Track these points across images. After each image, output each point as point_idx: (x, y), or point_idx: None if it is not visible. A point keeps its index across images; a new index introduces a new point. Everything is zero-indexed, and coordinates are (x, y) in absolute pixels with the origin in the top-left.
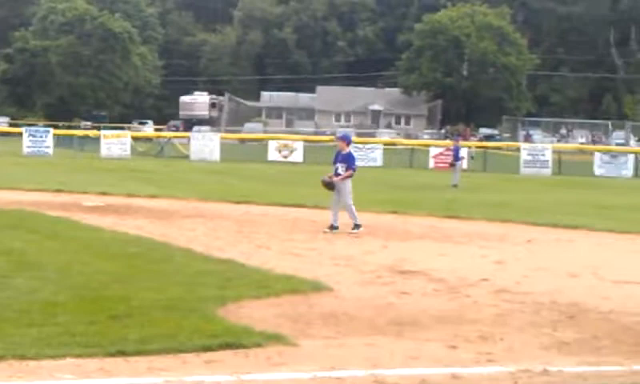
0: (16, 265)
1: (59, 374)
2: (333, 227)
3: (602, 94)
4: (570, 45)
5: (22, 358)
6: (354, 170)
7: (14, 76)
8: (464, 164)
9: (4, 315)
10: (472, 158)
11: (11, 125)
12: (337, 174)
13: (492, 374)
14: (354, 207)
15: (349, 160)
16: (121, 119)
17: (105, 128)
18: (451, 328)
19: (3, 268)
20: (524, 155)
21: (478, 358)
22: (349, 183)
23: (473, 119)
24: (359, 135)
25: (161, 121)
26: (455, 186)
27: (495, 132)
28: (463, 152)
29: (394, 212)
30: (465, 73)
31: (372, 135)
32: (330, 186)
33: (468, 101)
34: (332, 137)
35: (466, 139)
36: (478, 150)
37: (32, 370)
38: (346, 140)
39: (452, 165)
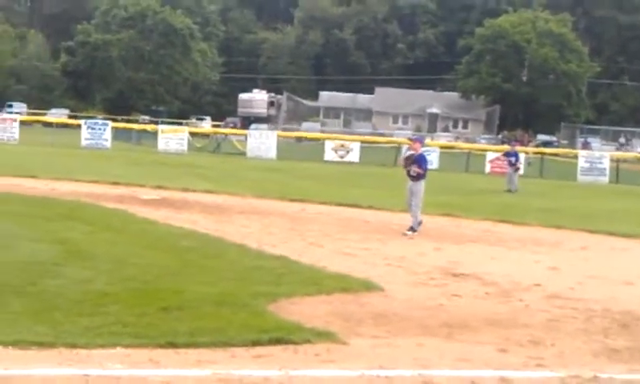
0: (70, 254)
1: (109, 363)
2: (413, 229)
3: None
4: (631, 54)
5: (73, 346)
6: (424, 171)
7: (75, 69)
8: (520, 169)
9: (56, 303)
10: (529, 164)
11: (70, 117)
12: (410, 176)
13: (541, 379)
14: (419, 211)
15: (421, 161)
16: (179, 115)
17: (163, 123)
18: (502, 331)
19: (57, 257)
20: (581, 162)
21: (528, 362)
22: (421, 185)
23: (531, 125)
24: None
25: (219, 117)
26: (511, 190)
27: (553, 138)
28: (521, 158)
29: (448, 215)
30: (524, 78)
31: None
32: (408, 161)
33: (526, 107)
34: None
35: (523, 145)
36: (535, 155)
37: (82, 358)
38: (421, 142)
39: (515, 168)
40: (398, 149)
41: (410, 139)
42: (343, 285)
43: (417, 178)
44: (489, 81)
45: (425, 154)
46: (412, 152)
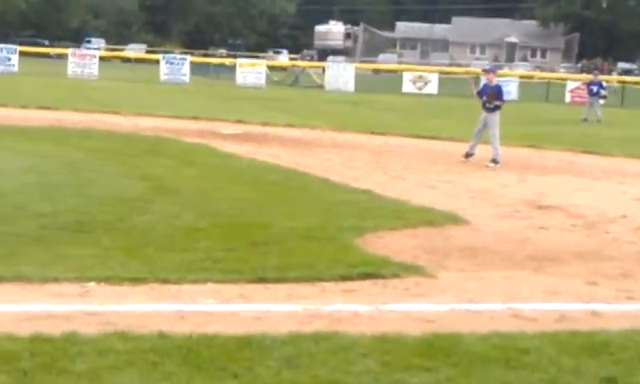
0: (156, 190)
1: (201, 298)
2: (468, 155)
3: None
4: None
5: (165, 281)
6: (503, 101)
7: (153, 3)
8: (604, 99)
9: (146, 239)
10: (615, 91)
11: (148, 52)
12: (485, 107)
13: (633, 312)
14: (498, 142)
15: (498, 91)
16: (256, 48)
17: (240, 57)
18: (590, 264)
19: (144, 192)
20: None
21: (618, 295)
22: (497, 116)
23: (610, 53)
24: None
25: (295, 50)
26: (587, 120)
27: (634, 66)
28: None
29: (531, 146)
30: (604, 5)
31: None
32: (493, 97)
33: (606, 34)
34: (467, 69)
35: (603, 73)
36: (611, 84)
37: (174, 293)
38: (494, 71)
39: (601, 97)
40: (477, 79)
41: (483, 70)
42: (428, 218)
43: (493, 109)
44: (568, 8)
45: (500, 83)
46: (486, 84)
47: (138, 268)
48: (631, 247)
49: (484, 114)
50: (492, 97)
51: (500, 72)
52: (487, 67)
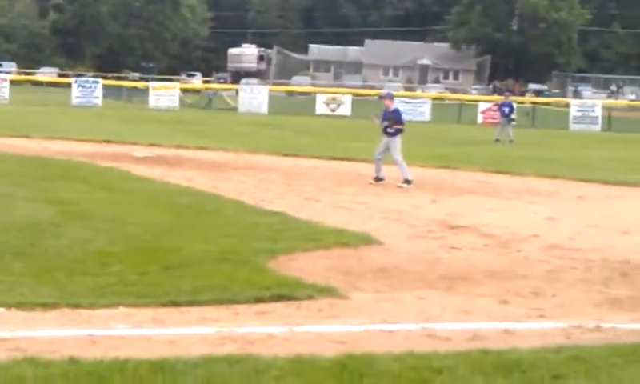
0: (68, 214)
1: (113, 322)
2: (378, 179)
3: None
4: (622, 0)
5: (76, 306)
6: (403, 125)
7: (64, 27)
8: (515, 120)
9: (58, 264)
10: (527, 114)
11: (60, 75)
12: (386, 132)
13: (544, 330)
14: (404, 162)
15: (396, 116)
16: (169, 71)
17: (153, 79)
18: (502, 283)
19: (55, 217)
20: (573, 111)
21: (530, 313)
22: (398, 139)
23: (522, 74)
24: (407, 90)
25: (209, 73)
26: (499, 140)
27: (544, 88)
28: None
29: (443, 167)
30: (515, 28)
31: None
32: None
33: (517, 56)
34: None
35: (515, 95)
36: (525, 106)
37: (85, 318)
38: (391, 97)
39: (510, 120)
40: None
41: (380, 97)
42: (342, 239)
43: (394, 133)
44: (479, 31)
45: (397, 108)
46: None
47: (49, 293)
48: (542, 266)
49: (385, 138)
50: (392, 121)
51: (416, 94)
52: (383, 94)
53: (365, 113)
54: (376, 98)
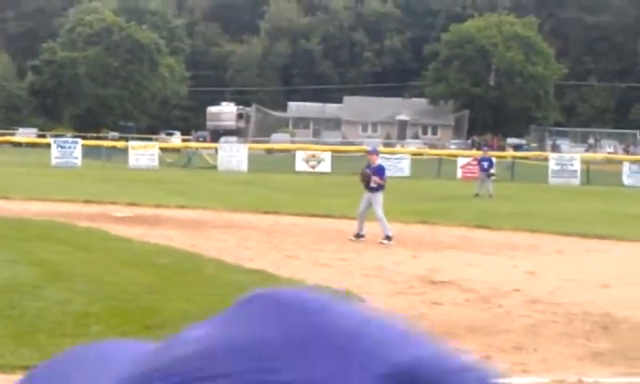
0: (48, 275)
1: None
2: (359, 235)
3: (630, 103)
4: (598, 54)
5: None
6: (385, 181)
7: (42, 87)
8: (494, 175)
9: (37, 325)
10: (508, 168)
11: (39, 136)
12: (369, 187)
13: None
14: (385, 219)
15: (379, 172)
16: (148, 130)
17: (132, 139)
18: (484, 338)
19: (35, 279)
20: (552, 165)
21: (513, 368)
22: (380, 195)
23: (500, 129)
24: (386, 145)
25: (188, 131)
26: (479, 195)
27: (523, 142)
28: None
29: (423, 222)
30: (492, 83)
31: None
32: (367, 178)
33: (495, 110)
34: (359, 147)
35: (493, 149)
36: (506, 160)
37: None
38: (376, 153)
39: (490, 175)
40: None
41: (366, 152)
42: None
43: (377, 188)
44: (457, 86)
45: (382, 164)
46: (369, 165)
47: (30, 355)
48: (524, 320)
49: (367, 193)
50: (375, 176)
51: (395, 149)
52: (369, 149)
53: (345, 169)
54: (356, 154)
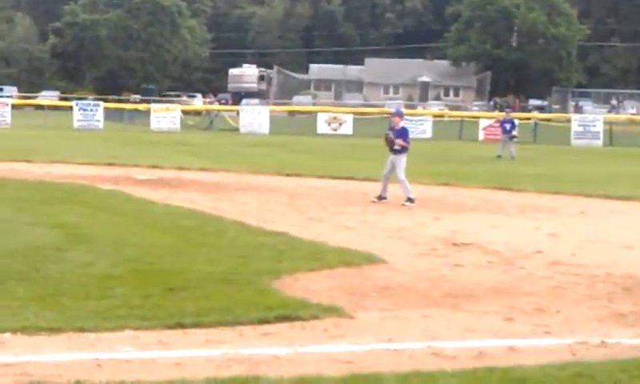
0: (70, 238)
1: (118, 346)
2: (381, 197)
3: None
4: (621, 15)
5: (81, 330)
6: (408, 144)
7: (64, 50)
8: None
9: (61, 288)
10: (532, 129)
11: (61, 99)
12: (393, 150)
13: (549, 347)
14: (407, 181)
15: (403, 134)
16: (170, 92)
17: (154, 101)
18: (507, 300)
19: (58, 241)
20: (575, 126)
21: (535, 330)
22: (403, 158)
23: (522, 90)
24: (408, 107)
25: (210, 94)
26: (500, 156)
27: (545, 103)
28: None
29: (445, 184)
30: (514, 44)
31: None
32: (391, 143)
33: (517, 72)
34: (381, 110)
35: (515, 111)
36: (528, 121)
37: (91, 342)
38: (400, 115)
39: (512, 137)
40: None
41: (390, 114)
42: (345, 259)
43: (400, 150)
44: (479, 47)
45: (405, 126)
46: (392, 127)
47: (54, 317)
48: (546, 282)
49: (391, 156)
50: (398, 139)
51: (417, 111)
52: (393, 111)
53: (366, 132)
54: (377, 116)
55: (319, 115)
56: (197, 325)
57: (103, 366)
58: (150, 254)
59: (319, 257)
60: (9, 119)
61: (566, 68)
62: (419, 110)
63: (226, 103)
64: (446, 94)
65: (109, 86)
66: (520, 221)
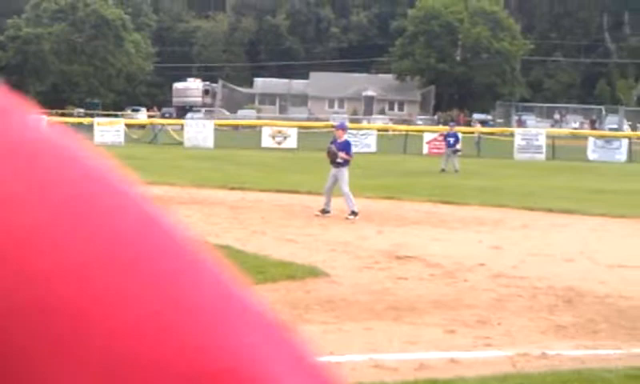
0: None
1: None
2: (325, 211)
3: (596, 78)
4: (564, 30)
5: None
6: (351, 157)
7: (7, 64)
8: (460, 151)
9: None
10: (476, 143)
11: None
12: (335, 163)
13: (490, 359)
14: (350, 194)
15: (346, 148)
16: (114, 106)
17: (98, 115)
18: (449, 313)
19: None
20: (518, 140)
21: (476, 342)
22: (345, 171)
23: (466, 104)
24: (352, 121)
25: (154, 108)
26: (445, 170)
27: (489, 117)
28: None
29: (389, 197)
30: (458, 58)
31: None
32: (333, 155)
33: (461, 86)
34: (326, 123)
35: (459, 125)
36: (472, 135)
37: None
38: (344, 128)
39: (456, 150)
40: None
41: (333, 127)
42: (288, 272)
43: (343, 163)
44: (423, 62)
45: (348, 140)
46: (336, 140)
47: None
48: (489, 294)
49: (333, 169)
50: (341, 152)
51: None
52: (337, 124)
53: (311, 145)
54: (322, 130)
55: (264, 129)
56: None
57: None
58: None
59: (262, 270)
60: None
61: (510, 82)
62: (364, 123)
63: (170, 117)
64: (391, 108)
65: (53, 100)
66: (463, 234)
